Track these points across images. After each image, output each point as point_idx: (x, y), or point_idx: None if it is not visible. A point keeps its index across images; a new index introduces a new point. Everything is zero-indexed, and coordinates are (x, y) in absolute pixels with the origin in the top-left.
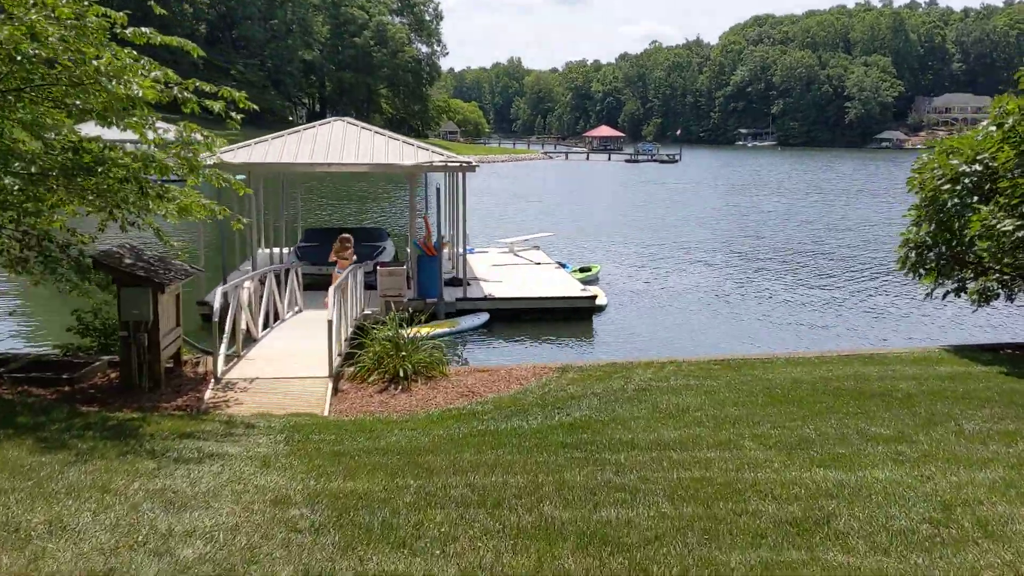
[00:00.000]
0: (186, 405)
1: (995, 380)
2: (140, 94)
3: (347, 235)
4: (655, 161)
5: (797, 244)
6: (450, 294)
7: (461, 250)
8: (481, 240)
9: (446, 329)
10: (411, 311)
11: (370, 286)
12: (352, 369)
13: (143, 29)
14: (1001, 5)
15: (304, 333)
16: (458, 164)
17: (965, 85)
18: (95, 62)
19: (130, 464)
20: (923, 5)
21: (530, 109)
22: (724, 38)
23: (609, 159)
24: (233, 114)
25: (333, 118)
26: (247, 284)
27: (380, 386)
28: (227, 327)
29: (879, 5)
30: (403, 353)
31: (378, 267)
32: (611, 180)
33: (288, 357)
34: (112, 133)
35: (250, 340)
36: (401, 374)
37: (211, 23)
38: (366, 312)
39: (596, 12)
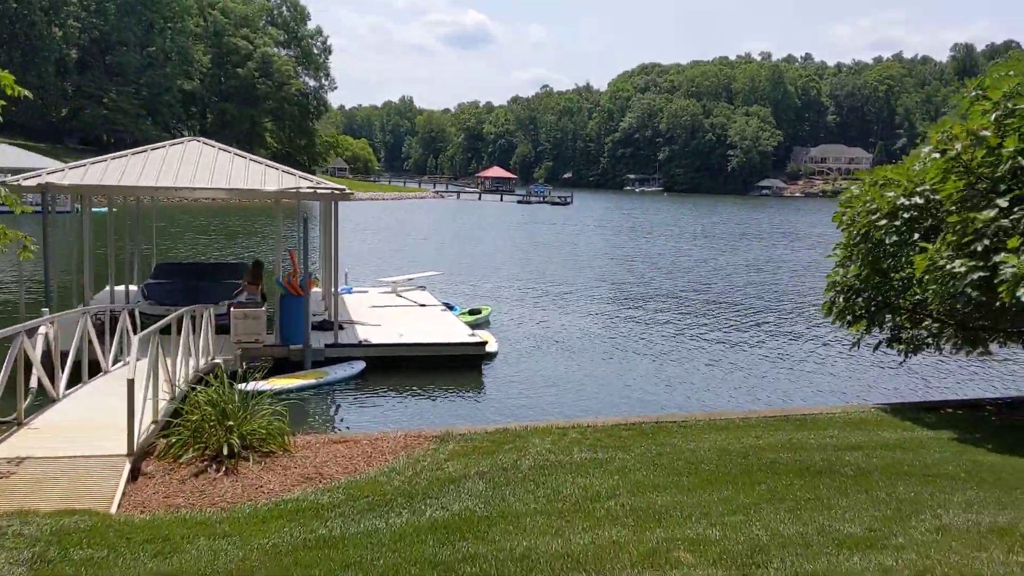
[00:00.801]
0: None
1: (950, 449)
2: None
3: (260, 261)
4: (547, 203)
5: (697, 289)
6: (319, 339)
7: (336, 289)
8: (362, 279)
9: (311, 381)
10: (270, 360)
11: (223, 330)
12: (165, 442)
13: None
14: (871, 62)
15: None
16: (329, 191)
17: (839, 136)
18: None
19: None
20: (799, 60)
21: (422, 148)
22: (613, 85)
23: (501, 199)
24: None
25: (188, 137)
26: (43, 329)
27: (196, 467)
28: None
29: (758, 58)
30: (230, 422)
31: (232, 308)
32: (504, 220)
33: (87, 426)
34: None
35: (49, 400)
36: (225, 451)
37: (83, 48)
38: (217, 361)
39: (489, 56)
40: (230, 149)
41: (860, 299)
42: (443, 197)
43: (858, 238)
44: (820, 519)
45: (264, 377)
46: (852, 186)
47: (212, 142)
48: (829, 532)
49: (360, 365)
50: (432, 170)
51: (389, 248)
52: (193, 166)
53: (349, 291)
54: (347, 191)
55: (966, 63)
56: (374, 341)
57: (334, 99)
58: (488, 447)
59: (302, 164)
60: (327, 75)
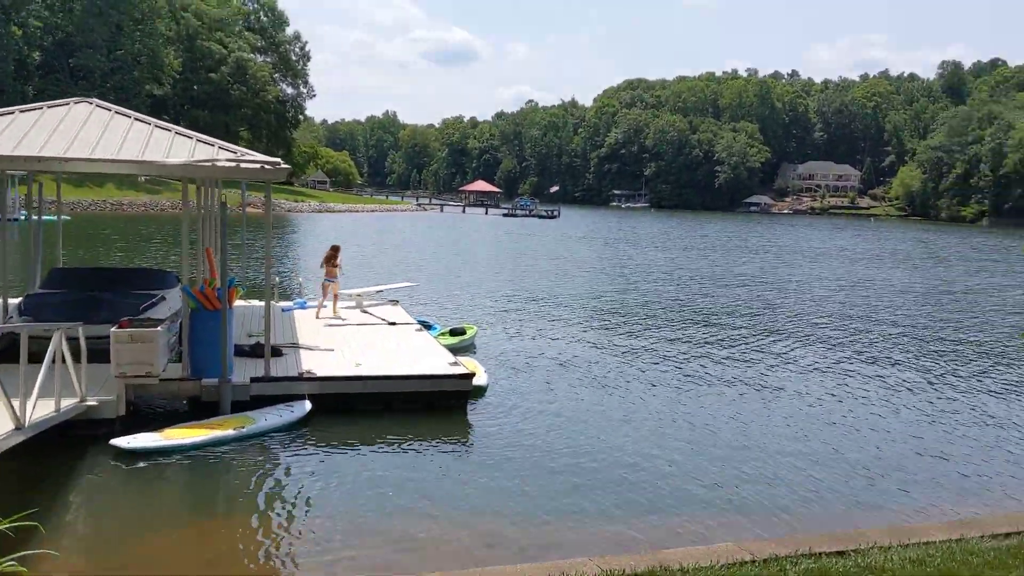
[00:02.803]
0: None
1: None
2: None
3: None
4: (534, 216)
5: (712, 303)
6: (244, 371)
7: (273, 301)
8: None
9: (228, 432)
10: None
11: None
12: None
13: None
14: (857, 79)
15: None
16: (257, 165)
17: (826, 153)
18: None
19: None
20: (786, 76)
21: (405, 163)
22: (598, 100)
23: (486, 212)
24: None
25: (76, 99)
26: None
27: None
28: None
29: (745, 74)
30: None
31: (113, 329)
32: (488, 232)
33: None
34: None
35: None
36: None
37: (46, 50)
38: (89, 403)
39: (473, 73)
40: (130, 113)
41: None
42: (425, 210)
43: None
44: None
45: (158, 426)
46: None
47: (109, 105)
48: None
49: (303, 407)
50: (416, 184)
51: (359, 258)
52: (72, 133)
53: (302, 305)
54: (281, 164)
55: (954, 80)
56: (320, 373)
57: (316, 113)
58: None
59: None
60: (305, 82)
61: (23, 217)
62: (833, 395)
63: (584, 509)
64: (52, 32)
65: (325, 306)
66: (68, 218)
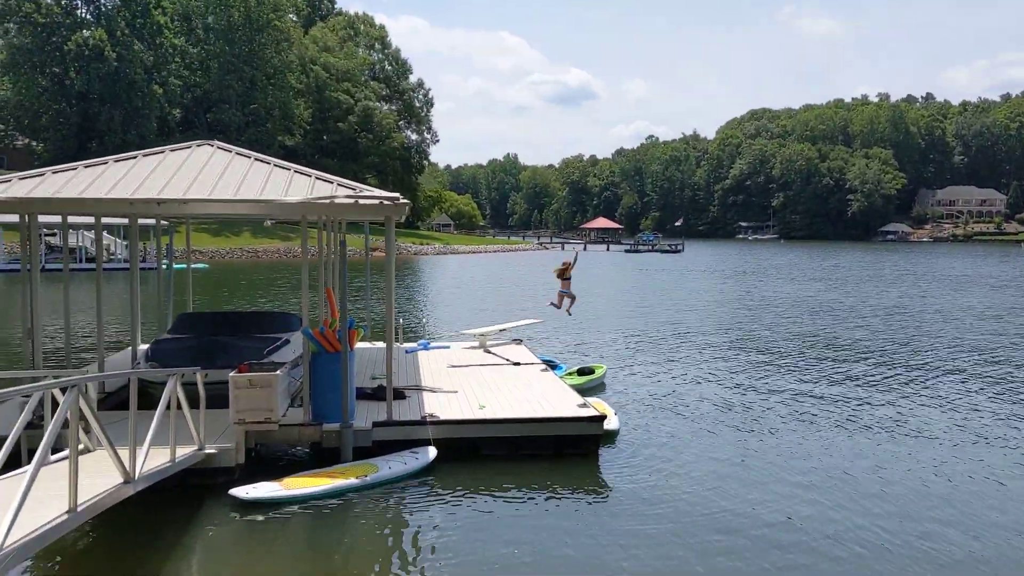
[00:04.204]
0: None
1: None
2: None
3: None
4: (657, 251)
5: (868, 338)
6: (366, 416)
7: (394, 341)
8: (445, 331)
9: (351, 481)
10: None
11: (216, 401)
12: None
13: None
14: (998, 100)
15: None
16: (377, 201)
17: (967, 178)
18: None
19: None
20: (920, 99)
21: (526, 204)
22: (721, 132)
23: (608, 249)
24: None
25: (198, 141)
26: None
27: None
28: None
29: (875, 99)
30: None
31: (232, 374)
32: (612, 268)
33: None
34: None
35: None
36: None
37: (186, 107)
38: (207, 451)
39: (591, 112)
40: (250, 154)
41: None
42: (547, 248)
43: None
44: None
45: (278, 474)
46: None
47: (228, 146)
48: None
49: (429, 454)
50: (537, 224)
51: (481, 299)
52: (192, 175)
53: (426, 347)
54: (400, 200)
55: None
56: (443, 416)
57: (439, 157)
58: None
59: (405, 219)
60: (429, 128)
61: (165, 266)
62: None
63: (738, 571)
64: (191, 90)
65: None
66: (206, 266)
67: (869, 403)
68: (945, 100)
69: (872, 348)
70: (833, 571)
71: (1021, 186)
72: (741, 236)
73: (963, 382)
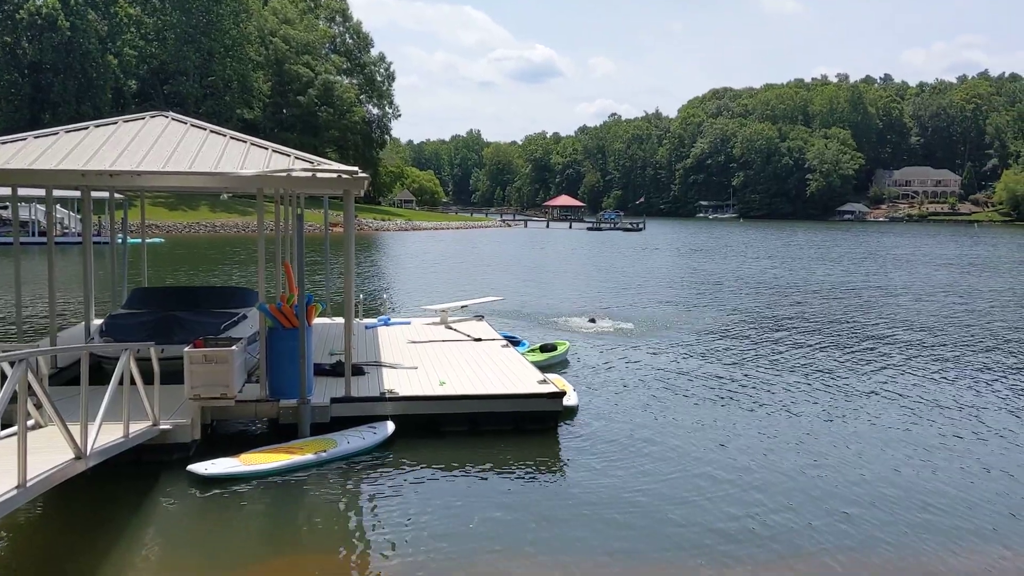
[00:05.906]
0: None
1: None
2: None
3: None
4: (619, 229)
5: (821, 313)
6: (324, 392)
7: (352, 316)
8: (407, 307)
9: (308, 457)
10: (261, 421)
11: (171, 377)
12: None
13: None
14: (955, 81)
15: None
16: (335, 175)
17: (923, 158)
18: None
19: None
20: (879, 80)
21: (489, 180)
22: (683, 111)
23: (570, 227)
24: None
25: (153, 112)
26: None
27: None
28: None
29: (835, 80)
30: None
31: (187, 349)
32: (574, 245)
33: None
34: None
35: None
36: None
37: (142, 78)
38: (162, 427)
39: (556, 89)
40: (206, 126)
41: None
42: (509, 226)
43: None
44: None
45: (235, 450)
46: None
47: (183, 118)
48: None
49: (386, 429)
50: (500, 201)
51: (444, 275)
52: (146, 147)
53: (387, 322)
54: (359, 173)
55: None
56: (403, 392)
57: (401, 133)
58: None
59: (367, 194)
60: (391, 103)
61: (119, 241)
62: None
63: (690, 544)
64: (147, 61)
65: None
66: (162, 240)
67: (821, 371)
68: (903, 81)
69: (824, 323)
70: (786, 538)
71: (975, 168)
72: (701, 215)
73: (892, 355)
